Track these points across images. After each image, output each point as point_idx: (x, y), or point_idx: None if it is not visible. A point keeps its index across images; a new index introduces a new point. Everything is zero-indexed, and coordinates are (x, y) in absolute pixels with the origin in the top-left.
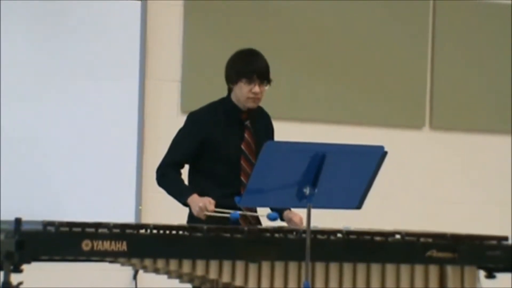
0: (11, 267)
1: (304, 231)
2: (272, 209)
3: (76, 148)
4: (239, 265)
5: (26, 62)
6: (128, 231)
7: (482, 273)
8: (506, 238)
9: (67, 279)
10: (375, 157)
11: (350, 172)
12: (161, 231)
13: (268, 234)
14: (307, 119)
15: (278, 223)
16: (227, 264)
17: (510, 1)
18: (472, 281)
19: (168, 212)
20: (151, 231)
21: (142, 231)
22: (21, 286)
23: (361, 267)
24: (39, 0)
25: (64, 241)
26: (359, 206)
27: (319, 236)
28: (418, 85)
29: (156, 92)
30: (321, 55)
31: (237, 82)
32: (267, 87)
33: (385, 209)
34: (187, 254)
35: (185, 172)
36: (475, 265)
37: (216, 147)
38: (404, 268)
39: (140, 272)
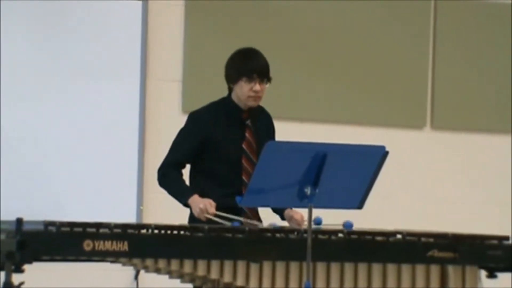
0: (13, 267)
1: (305, 231)
2: (273, 208)
3: (77, 148)
4: (241, 265)
5: (26, 62)
6: (129, 231)
7: (483, 273)
8: (507, 238)
9: (68, 279)
10: (376, 157)
11: (351, 172)
12: (163, 231)
13: (269, 234)
14: (308, 119)
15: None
16: (228, 264)
17: (511, 1)
18: (473, 281)
19: (169, 212)
20: (152, 231)
21: (144, 231)
22: (22, 286)
23: (362, 267)
24: (39, 0)
25: (65, 241)
26: (360, 206)
27: (320, 236)
28: (419, 85)
29: (157, 92)
30: (322, 55)
31: (237, 81)
32: (267, 85)
33: (386, 209)
34: (188, 254)
35: (186, 172)
36: (476, 265)
37: (217, 146)
38: (405, 268)
39: (142, 272)
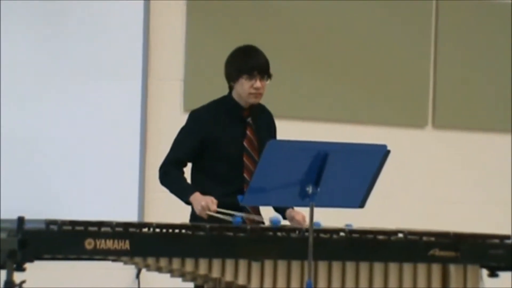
0: (14, 266)
1: (307, 230)
2: (275, 208)
3: (78, 147)
4: (242, 264)
5: (26, 62)
6: (131, 229)
7: (485, 272)
8: (508, 237)
9: (69, 277)
10: (378, 156)
11: (353, 171)
12: (164, 230)
13: (270, 233)
14: (309, 118)
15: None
16: (230, 263)
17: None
18: (475, 280)
19: (171, 211)
20: (154, 230)
21: (145, 229)
22: (23, 284)
23: (363, 266)
24: (39, 0)
25: (66, 240)
26: (361, 205)
27: (321, 235)
28: (421, 84)
29: (158, 91)
30: (324, 54)
31: (238, 79)
32: (268, 82)
33: (387, 208)
34: (190, 253)
35: (187, 171)
36: (478, 264)
37: (217, 145)
38: (407, 267)
39: (143, 270)
